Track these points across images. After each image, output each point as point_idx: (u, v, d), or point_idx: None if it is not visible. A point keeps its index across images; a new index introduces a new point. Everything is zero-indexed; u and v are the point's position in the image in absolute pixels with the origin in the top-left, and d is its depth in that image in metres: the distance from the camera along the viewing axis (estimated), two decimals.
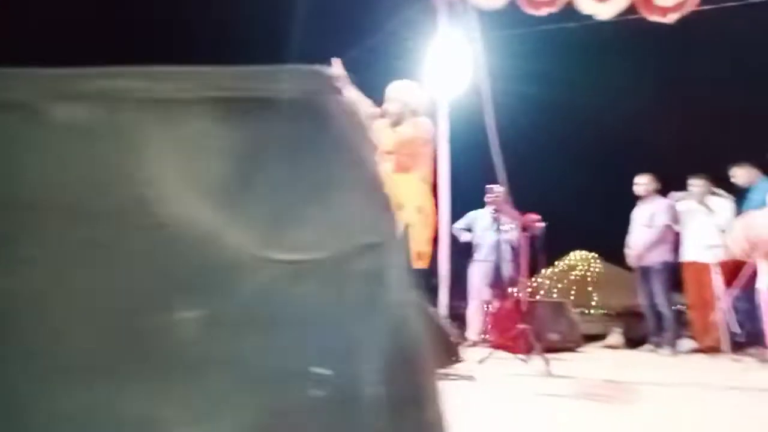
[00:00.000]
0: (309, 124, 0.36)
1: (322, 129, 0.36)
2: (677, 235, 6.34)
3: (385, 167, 3.42)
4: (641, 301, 6.37)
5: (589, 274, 14.46)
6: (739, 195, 6.06)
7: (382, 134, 3.33)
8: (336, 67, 3.61)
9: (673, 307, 6.31)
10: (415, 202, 3.29)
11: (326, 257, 0.35)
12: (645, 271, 6.20)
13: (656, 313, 6.13)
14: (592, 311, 12.95)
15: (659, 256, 6.08)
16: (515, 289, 6.26)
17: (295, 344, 0.33)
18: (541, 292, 13.41)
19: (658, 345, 6.11)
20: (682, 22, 6.03)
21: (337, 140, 0.37)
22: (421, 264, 3.27)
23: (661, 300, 6.04)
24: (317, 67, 0.37)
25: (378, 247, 0.37)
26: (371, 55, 7.80)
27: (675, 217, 6.22)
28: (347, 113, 0.38)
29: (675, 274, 6.28)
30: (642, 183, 6.34)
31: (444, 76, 6.81)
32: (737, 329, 5.83)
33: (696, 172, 6.16)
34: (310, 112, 0.36)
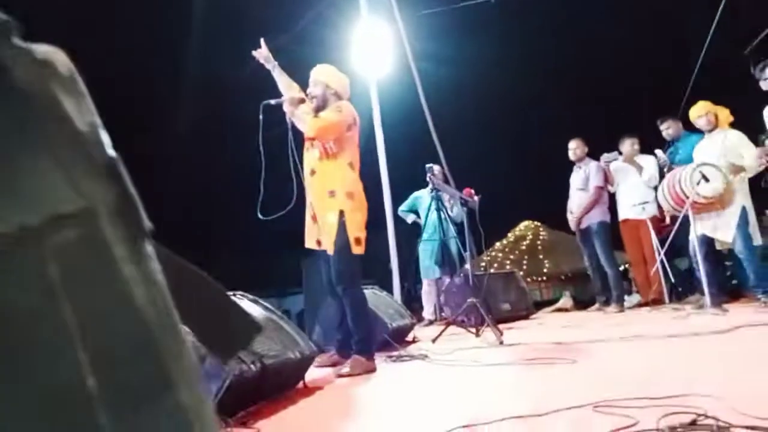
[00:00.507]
0: None
1: None
2: (613, 195, 6.54)
3: (312, 154, 3.35)
4: (585, 263, 6.55)
5: (539, 242, 14.86)
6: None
7: (307, 119, 3.27)
8: (262, 48, 3.52)
9: (619, 266, 6.51)
10: (345, 188, 3.24)
11: (2, 233, 0.28)
12: (585, 233, 6.36)
13: (601, 272, 6.31)
14: (544, 277, 13.34)
15: (596, 217, 6.24)
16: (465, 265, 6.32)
17: None
18: (495, 265, 13.70)
19: (605, 303, 6.30)
20: None
21: (12, 95, 0.30)
22: (360, 249, 3.23)
23: (603, 259, 6.21)
24: None
25: (81, 216, 0.31)
26: (298, 38, 7.68)
27: (607, 178, 6.39)
28: (32, 62, 0.31)
29: (614, 233, 6.47)
30: (572, 148, 6.50)
31: (370, 58, 6.75)
32: (674, 281, 6.08)
33: (620, 133, 6.36)
34: None
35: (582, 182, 6.36)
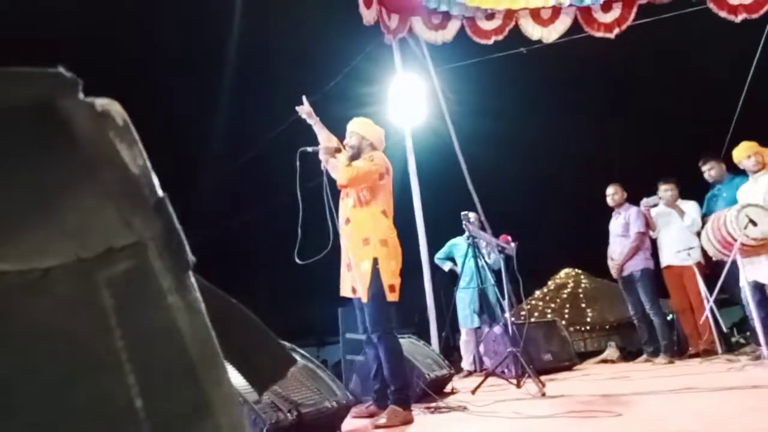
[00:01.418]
0: (37, 128, 0.33)
1: (55, 131, 0.33)
2: (654, 241, 6.36)
3: (346, 202, 3.42)
4: (630, 312, 6.32)
5: (580, 290, 14.43)
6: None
7: (339, 167, 3.36)
8: (304, 104, 3.65)
9: (666, 315, 6.26)
10: (379, 235, 3.28)
11: (61, 264, 0.31)
12: (628, 280, 6.17)
13: (647, 322, 6.07)
14: (587, 327, 12.88)
15: (639, 264, 6.06)
16: (504, 314, 6.19)
17: (33, 364, 0.29)
18: (536, 314, 13.34)
19: (653, 354, 6.02)
20: (622, 37, 6.28)
21: (77, 142, 0.34)
22: (394, 297, 3.23)
23: (648, 307, 5.99)
24: (52, 69, 0.34)
25: (132, 249, 0.34)
26: (335, 94, 7.96)
27: (648, 223, 6.23)
28: (92, 114, 0.35)
29: (659, 281, 6.25)
30: (610, 193, 6.39)
31: (405, 109, 6.92)
32: (726, 329, 5.79)
33: (659, 177, 6.23)
34: (39, 116, 0.32)
35: (622, 228, 6.22)
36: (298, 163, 3.43)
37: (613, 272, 6.29)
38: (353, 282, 3.35)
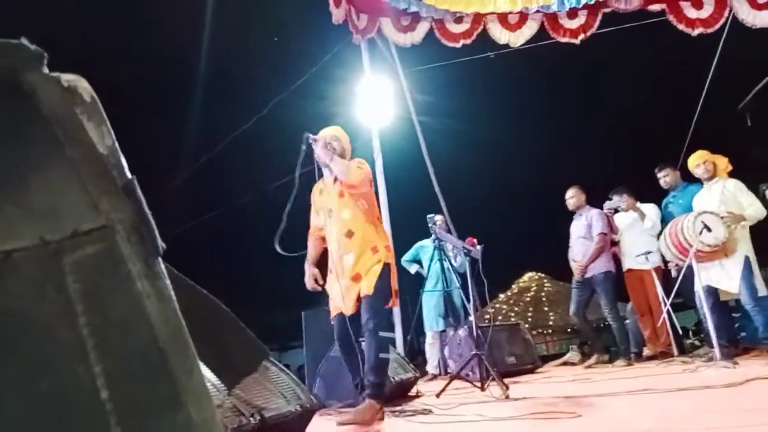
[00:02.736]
0: (3, 103, 0.31)
1: (20, 106, 0.31)
2: (616, 244, 6.51)
3: (342, 216, 3.32)
4: (571, 312, 6.42)
5: (543, 294, 14.69)
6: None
7: (346, 164, 3.30)
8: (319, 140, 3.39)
9: (623, 319, 6.39)
10: (384, 242, 3.31)
11: (25, 246, 0.29)
12: (588, 282, 6.22)
13: (586, 324, 6.20)
14: (550, 330, 13.13)
15: (601, 267, 6.13)
16: (469, 317, 6.24)
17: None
18: (499, 317, 13.52)
19: (613, 356, 6.16)
20: (586, 45, 6.46)
21: (43, 119, 0.32)
22: (394, 304, 3.25)
23: (607, 312, 6.08)
24: (13, 41, 0.32)
25: (101, 232, 0.32)
26: (303, 92, 7.92)
27: (610, 225, 6.33)
28: (58, 89, 0.33)
29: (619, 284, 6.39)
30: (569, 197, 6.48)
31: (372, 110, 6.91)
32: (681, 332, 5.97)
33: (620, 182, 6.39)
34: (5, 90, 0.30)
35: (584, 230, 6.27)
36: (303, 147, 3.24)
37: (576, 273, 6.32)
38: (348, 293, 3.26)
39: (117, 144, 0.36)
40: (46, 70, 0.33)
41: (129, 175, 0.36)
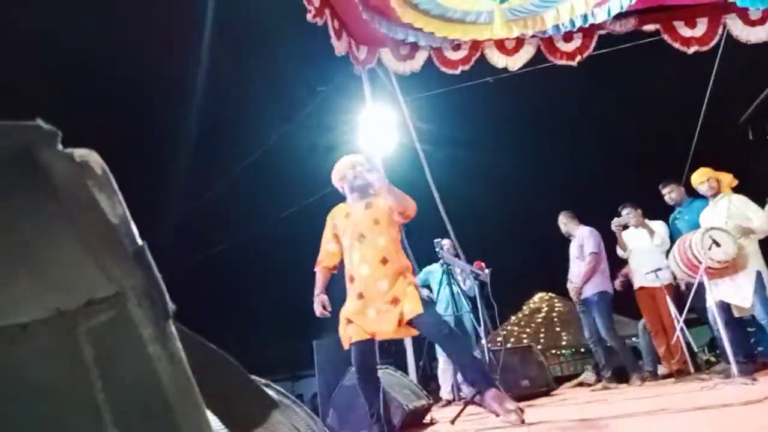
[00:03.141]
0: (17, 179, 0.33)
1: (35, 182, 0.33)
2: (622, 263, 6.48)
3: (377, 242, 3.34)
4: (586, 335, 6.31)
5: (554, 314, 14.52)
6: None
7: (406, 197, 3.36)
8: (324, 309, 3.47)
9: (623, 339, 6.29)
10: (409, 269, 3.38)
11: (40, 319, 0.31)
12: (585, 304, 6.17)
13: (602, 345, 6.10)
14: (563, 351, 12.97)
15: (595, 287, 6.07)
16: (480, 341, 6.18)
17: (11, 415, 0.29)
18: (511, 340, 13.38)
19: (610, 379, 6.04)
20: (584, 67, 6.56)
21: (54, 193, 0.34)
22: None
23: (603, 332, 6.00)
24: (31, 122, 0.35)
25: (112, 300, 0.34)
26: (305, 122, 8.03)
27: (599, 244, 6.24)
28: (71, 165, 0.35)
29: (633, 302, 6.32)
30: (560, 223, 6.50)
31: (375, 139, 7.00)
32: (696, 349, 5.89)
33: (626, 200, 6.37)
34: (19, 167, 0.33)
35: (578, 251, 6.24)
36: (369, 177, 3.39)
37: (572, 295, 6.28)
38: (385, 318, 3.25)
39: (128, 213, 0.38)
40: (60, 147, 0.36)
41: (140, 241, 0.38)
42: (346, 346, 3.36)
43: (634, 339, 9.11)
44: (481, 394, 3.05)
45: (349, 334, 3.33)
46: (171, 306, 0.37)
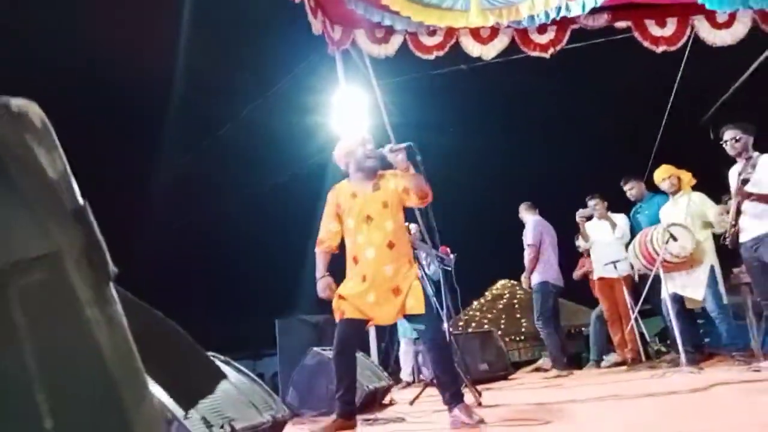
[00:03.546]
0: None
1: None
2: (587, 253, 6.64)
3: (385, 227, 3.25)
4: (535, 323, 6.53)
5: (515, 301, 14.84)
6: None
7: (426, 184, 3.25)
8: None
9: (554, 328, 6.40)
10: (411, 255, 3.35)
11: None
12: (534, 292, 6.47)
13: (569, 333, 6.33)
14: (522, 337, 13.27)
15: (536, 277, 6.33)
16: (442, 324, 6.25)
17: None
18: (473, 324, 13.60)
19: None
20: (556, 59, 6.63)
21: None
22: None
23: (535, 320, 6.30)
24: None
25: (48, 259, 0.32)
26: (277, 102, 7.91)
27: (538, 236, 6.39)
28: (7, 115, 0.33)
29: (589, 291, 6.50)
30: (520, 210, 6.70)
31: (347, 121, 6.93)
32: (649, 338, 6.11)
33: (588, 193, 6.51)
34: None
35: (525, 241, 6.50)
36: (419, 158, 3.16)
37: (524, 284, 6.59)
38: (389, 305, 3.21)
39: (69, 169, 0.35)
40: None
41: (81, 200, 0.36)
42: (337, 318, 3.28)
43: (583, 329, 9.40)
44: (451, 408, 3.09)
45: (342, 308, 3.26)
46: (113, 268, 0.35)
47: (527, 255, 6.32)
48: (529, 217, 6.59)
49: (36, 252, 0.31)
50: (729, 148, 4.53)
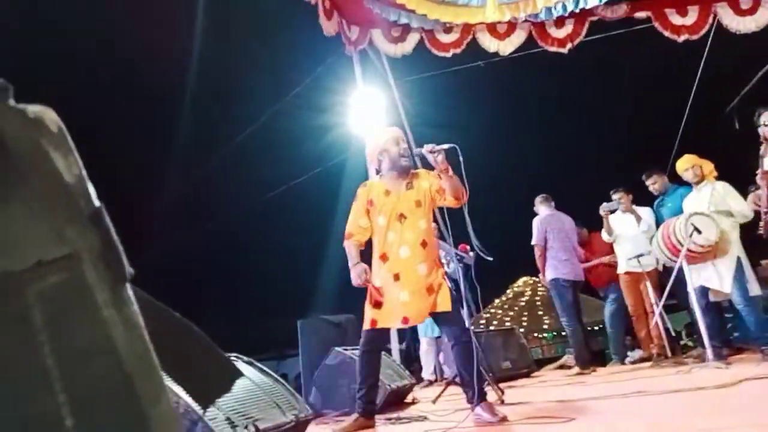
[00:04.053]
0: None
1: None
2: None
3: (419, 226, 3.27)
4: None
5: (537, 298, 14.67)
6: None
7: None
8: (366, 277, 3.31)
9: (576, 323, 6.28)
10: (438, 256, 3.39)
11: None
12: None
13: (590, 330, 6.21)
14: (545, 334, 13.13)
15: (548, 275, 6.18)
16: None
17: None
18: (494, 322, 13.51)
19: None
20: (575, 52, 6.54)
21: (7, 151, 0.32)
22: None
23: (560, 317, 6.15)
24: None
25: (64, 261, 0.32)
26: (296, 103, 7.95)
27: (540, 234, 6.26)
28: (23, 121, 0.34)
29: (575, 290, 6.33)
30: (535, 204, 6.55)
31: (365, 120, 6.95)
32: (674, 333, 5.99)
33: (612, 187, 6.41)
34: None
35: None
36: (461, 158, 3.13)
37: (542, 281, 6.48)
38: (422, 305, 3.20)
39: (84, 172, 0.36)
40: (11, 102, 0.34)
41: (96, 203, 0.36)
42: (367, 326, 3.26)
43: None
44: (474, 406, 3.08)
45: (374, 318, 3.24)
46: (129, 269, 0.36)
47: (536, 255, 6.23)
48: (540, 210, 6.45)
49: (53, 255, 0.32)
50: (766, 131, 4.45)
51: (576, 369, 5.96)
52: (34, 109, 0.35)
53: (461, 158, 3.14)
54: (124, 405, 0.32)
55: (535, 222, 6.31)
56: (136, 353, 0.33)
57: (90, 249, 0.34)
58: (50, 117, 0.35)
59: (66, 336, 0.31)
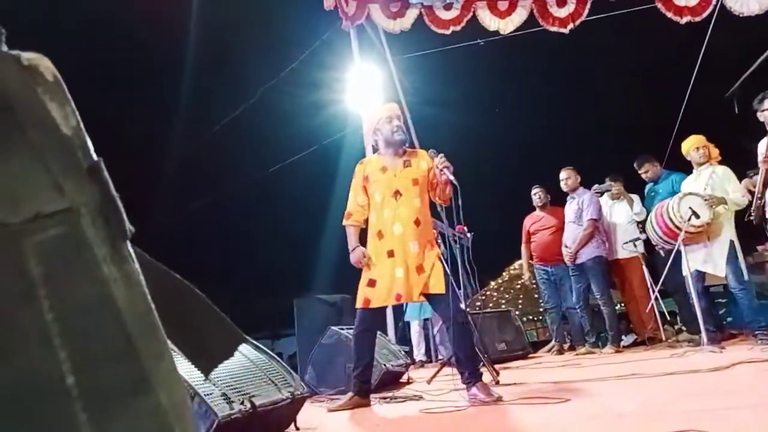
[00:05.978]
0: None
1: None
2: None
3: (413, 203, 3.27)
4: (573, 300, 6.20)
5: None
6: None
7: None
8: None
9: (615, 305, 6.38)
10: (433, 237, 3.38)
11: None
12: (580, 269, 6.06)
13: (590, 311, 6.13)
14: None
15: (592, 252, 5.96)
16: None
17: None
18: (490, 305, 13.61)
19: (594, 344, 6.08)
20: (576, 32, 6.47)
21: (1, 99, 0.30)
22: None
23: (599, 297, 5.96)
24: None
25: (64, 215, 0.31)
26: (293, 78, 7.87)
27: (599, 210, 6.15)
28: (18, 68, 0.32)
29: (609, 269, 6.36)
30: (563, 178, 6.29)
31: (362, 96, 6.88)
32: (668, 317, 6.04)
33: (607, 171, 6.39)
34: None
35: (575, 214, 6.12)
36: (460, 201, 3.21)
37: (567, 260, 6.14)
38: (411, 285, 3.20)
39: (82, 125, 0.35)
40: (4, 48, 0.32)
41: (95, 156, 0.35)
42: (359, 305, 3.28)
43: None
44: (469, 386, 3.10)
45: (367, 297, 3.25)
46: (129, 227, 0.34)
47: (585, 230, 5.93)
48: (578, 186, 6.24)
49: (51, 208, 0.30)
50: (765, 117, 4.43)
51: (584, 348, 5.95)
52: (28, 55, 0.33)
53: (460, 201, 3.20)
54: (125, 362, 0.30)
55: (593, 197, 6.17)
56: (136, 310, 0.32)
57: (89, 203, 0.32)
58: (45, 65, 0.34)
59: (65, 291, 0.30)
